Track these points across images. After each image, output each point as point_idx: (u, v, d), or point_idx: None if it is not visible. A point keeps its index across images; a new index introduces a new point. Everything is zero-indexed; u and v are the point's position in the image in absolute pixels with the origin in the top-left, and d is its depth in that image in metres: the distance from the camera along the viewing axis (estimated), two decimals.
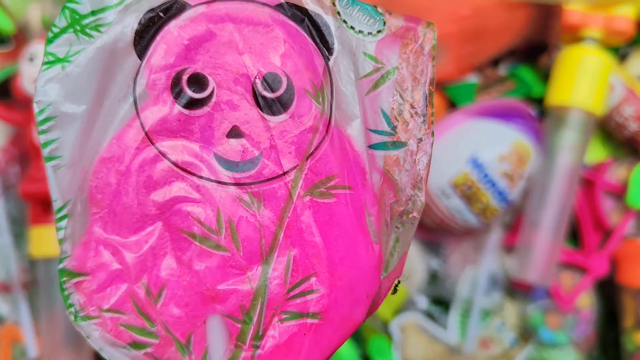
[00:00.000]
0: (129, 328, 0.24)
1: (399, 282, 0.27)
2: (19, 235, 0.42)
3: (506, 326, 0.45)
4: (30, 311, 0.41)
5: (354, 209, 0.25)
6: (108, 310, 0.24)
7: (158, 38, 0.24)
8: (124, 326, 0.24)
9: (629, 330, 0.44)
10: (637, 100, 0.44)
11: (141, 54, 0.25)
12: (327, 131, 0.25)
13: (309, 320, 0.25)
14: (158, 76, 0.24)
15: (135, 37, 0.25)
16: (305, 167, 0.25)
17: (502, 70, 0.46)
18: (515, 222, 0.45)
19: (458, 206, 0.40)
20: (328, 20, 0.26)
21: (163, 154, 0.24)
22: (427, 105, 0.26)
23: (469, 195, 0.40)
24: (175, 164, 0.24)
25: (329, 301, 0.25)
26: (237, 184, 0.24)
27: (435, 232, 0.45)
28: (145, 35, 0.25)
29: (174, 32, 0.24)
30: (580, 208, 0.45)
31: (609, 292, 0.47)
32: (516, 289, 0.46)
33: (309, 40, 0.26)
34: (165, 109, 0.24)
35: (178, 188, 0.24)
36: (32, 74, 0.39)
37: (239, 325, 0.24)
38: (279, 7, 0.26)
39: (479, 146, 0.40)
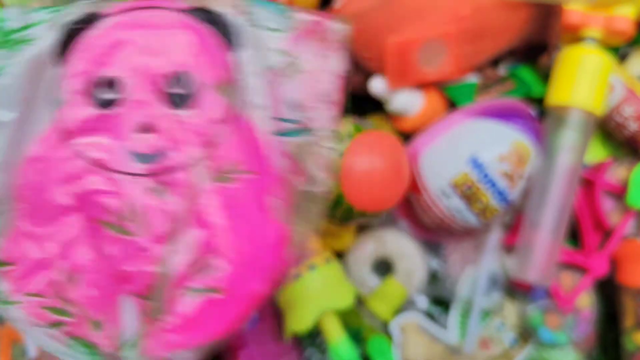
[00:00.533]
0: (48, 310, 0.27)
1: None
2: None
3: (506, 326, 0.45)
4: None
5: (258, 193, 0.28)
6: (30, 295, 0.27)
7: (76, 47, 0.28)
8: (44, 308, 0.27)
9: (629, 330, 0.44)
10: (637, 100, 0.44)
11: (61, 63, 0.28)
12: (232, 122, 0.28)
13: (213, 295, 0.27)
14: (75, 81, 0.27)
15: (56, 48, 0.28)
16: (211, 156, 0.27)
17: (502, 70, 0.47)
18: (515, 222, 0.45)
19: (458, 206, 0.40)
20: (236, 20, 0.29)
21: (79, 151, 0.27)
22: (336, 94, 0.30)
23: (469, 195, 0.40)
24: (90, 159, 0.27)
25: (231, 277, 0.27)
26: (147, 175, 0.27)
27: (435, 232, 0.45)
28: (65, 46, 0.28)
29: (90, 40, 0.28)
30: (580, 208, 0.45)
31: (609, 292, 0.47)
32: (516, 289, 0.46)
33: (216, 39, 0.28)
34: (81, 110, 0.27)
35: (93, 181, 0.27)
36: None
37: (148, 303, 0.27)
38: (186, 11, 0.29)
39: (479, 146, 0.40)
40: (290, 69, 0.29)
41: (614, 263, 0.45)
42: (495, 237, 0.44)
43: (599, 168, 0.45)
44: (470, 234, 0.46)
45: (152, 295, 0.27)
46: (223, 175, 0.27)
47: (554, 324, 0.44)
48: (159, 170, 0.27)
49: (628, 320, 0.45)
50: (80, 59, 0.28)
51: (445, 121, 0.42)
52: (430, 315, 0.46)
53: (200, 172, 0.27)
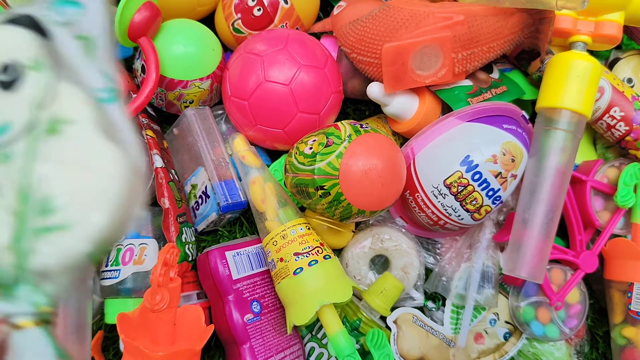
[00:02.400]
0: None
1: None
2: None
3: (499, 321, 0.46)
4: None
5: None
6: None
7: None
8: None
9: (618, 325, 0.45)
10: (626, 102, 0.44)
11: None
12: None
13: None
14: None
15: None
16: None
17: (495, 74, 0.46)
18: (508, 220, 0.45)
19: (452, 205, 0.41)
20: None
21: None
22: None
23: (463, 194, 0.40)
24: None
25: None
26: None
27: (430, 230, 0.46)
28: None
29: None
30: (570, 207, 0.45)
31: (598, 288, 0.48)
32: (508, 285, 0.46)
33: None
34: None
35: None
36: None
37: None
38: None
39: (472, 147, 0.40)
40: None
41: (604, 260, 0.46)
42: (488, 234, 0.45)
43: (588, 168, 0.46)
44: (464, 232, 0.46)
45: None
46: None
47: (545, 319, 0.44)
48: None
49: (617, 315, 0.45)
50: None
51: (439, 123, 0.42)
52: (425, 310, 0.46)
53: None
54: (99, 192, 0.28)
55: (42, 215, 0.28)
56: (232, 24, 0.45)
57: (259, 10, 0.45)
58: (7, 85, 0.29)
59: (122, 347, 0.41)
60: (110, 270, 0.42)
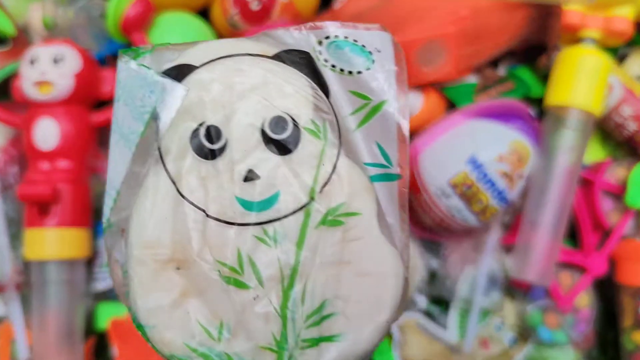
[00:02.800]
0: None
1: None
2: (15, 237, 0.42)
3: (505, 325, 0.45)
4: (23, 312, 0.41)
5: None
6: None
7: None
8: None
9: (628, 329, 0.44)
10: (636, 100, 0.44)
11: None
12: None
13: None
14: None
15: None
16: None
17: (501, 70, 0.46)
18: (515, 221, 0.45)
19: (457, 206, 0.40)
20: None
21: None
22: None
23: (468, 195, 0.40)
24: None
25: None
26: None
27: (434, 232, 0.45)
28: None
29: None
30: (579, 208, 0.45)
31: (608, 291, 0.47)
32: (515, 289, 0.45)
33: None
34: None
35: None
36: (32, 76, 0.39)
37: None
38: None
39: (478, 146, 0.39)
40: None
41: (613, 262, 0.45)
42: (494, 236, 0.44)
43: (598, 168, 0.45)
44: (470, 234, 0.46)
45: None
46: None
47: (553, 324, 0.44)
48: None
49: (627, 320, 0.45)
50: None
51: (444, 121, 0.41)
52: (429, 315, 0.46)
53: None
54: (380, 298, 0.27)
55: (313, 321, 0.26)
56: (230, 19, 0.45)
57: (257, 4, 0.44)
58: (281, 147, 0.27)
59: (115, 353, 0.41)
60: (103, 273, 0.42)
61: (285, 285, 0.26)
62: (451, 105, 0.44)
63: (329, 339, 0.26)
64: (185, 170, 0.27)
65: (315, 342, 0.26)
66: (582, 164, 0.41)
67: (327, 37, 0.28)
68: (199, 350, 0.26)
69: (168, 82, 0.27)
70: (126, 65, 0.28)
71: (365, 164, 0.28)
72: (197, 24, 0.44)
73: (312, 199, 0.26)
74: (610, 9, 0.41)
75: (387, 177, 0.28)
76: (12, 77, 0.42)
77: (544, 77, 0.46)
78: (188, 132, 0.27)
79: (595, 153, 0.48)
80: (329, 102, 0.28)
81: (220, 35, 0.47)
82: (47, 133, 0.39)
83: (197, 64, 0.28)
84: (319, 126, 0.27)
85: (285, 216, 0.26)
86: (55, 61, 0.39)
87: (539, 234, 0.40)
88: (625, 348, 0.45)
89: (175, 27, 0.43)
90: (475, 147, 0.39)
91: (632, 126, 0.44)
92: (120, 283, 0.28)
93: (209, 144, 0.27)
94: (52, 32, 0.42)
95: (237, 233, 0.26)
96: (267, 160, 0.27)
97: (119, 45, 0.44)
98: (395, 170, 0.28)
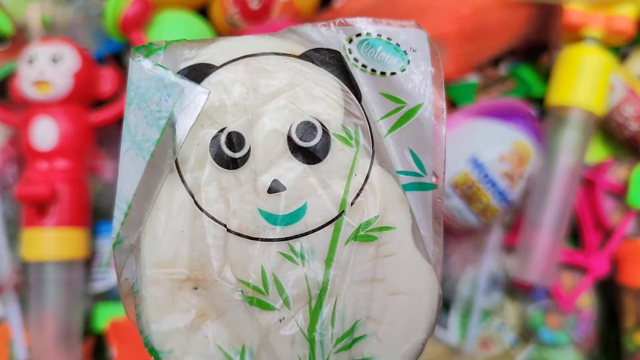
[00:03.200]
0: None
1: None
2: (13, 237, 0.41)
3: (506, 326, 0.45)
4: (21, 313, 0.41)
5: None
6: None
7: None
8: None
9: (630, 330, 0.44)
10: (638, 100, 0.44)
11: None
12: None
13: None
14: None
15: None
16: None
17: (502, 69, 0.46)
18: (516, 222, 0.45)
19: (458, 206, 0.40)
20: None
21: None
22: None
23: (469, 195, 0.40)
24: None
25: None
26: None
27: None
28: None
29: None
30: (580, 208, 0.45)
31: (609, 292, 0.47)
32: (516, 289, 0.45)
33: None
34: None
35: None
36: (30, 76, 0.38)
37: None
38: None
39: (479, 146, 0.39)
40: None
41: (615, 263, 0.45)
42: (495, 237, 0.44)
43: (599, 168, 0.45)
44: (471, 234, 0.46)
45: None
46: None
47: (555, 324, 0.44)
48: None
49: (629, 321, 0.44)
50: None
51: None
52: None
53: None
54: (414, 318, 0.25)
55: (343, 345, 0.24)
56: (230, 18, 0.45)
57: (257, 3, 0.44)
58: (309, 156, 0.25)
59: (113, 354, 0.40)
60: (102, 273, 0.42)
61: (313, 306, 0.24)
62: (452, 105, 0.44)
63: None
64: (204, 180, 0.25)
65: None
66: (583, 164, 0.41)
67: (358, 35, 0.26)
68: None
69: (187, 83, 0.24)
70: (139, 65, 0.25)
71: (397, 172, 0.26)
72: (196, 23, 0.44)
73: (342, 212, 0.24)
74: (612, 8, 0.41)
75: (421, 187, 0.26)
76: (10, 76, 0.42)
77: (545, 76, 0.46)
78: (207, 139, 0.25)
79: (596, 153, 0.48)
80: (361, 106, 0.26)
81: (219, 34, 0.47)
82: (45, 133, 0.39)
83: (217, 64, 0.26)
84: (351, 132, 0.25)
85: (313, 231, 0.24)
86: (54, 60, 0.39)
87: (540, 234, 0.40)
88: (627, 349, 0.44)
89: (174, 26, 0.43)
90: (476, 147, 0.39)
91: (633, 126, 0.44)
92: (130, 305, 0.26)
93: (230, 152, 0.25)
94: (51, 31, 0.42)
95: (260, 249, 0.24)
96: (293, 170, 0.25)
97: (118, 44, 0.44)
98: (430, 179, 0.26)
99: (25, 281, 0.40)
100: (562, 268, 0.44)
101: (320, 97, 0.25)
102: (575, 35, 0.42)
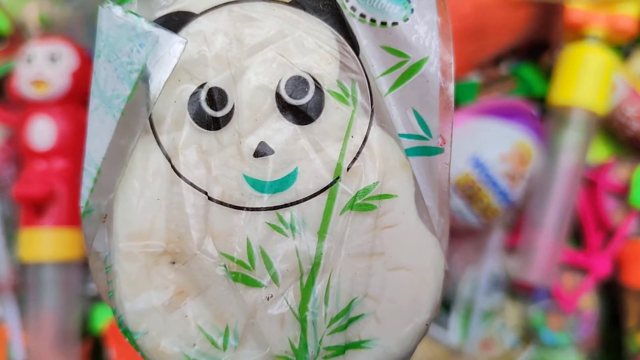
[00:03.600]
0: None
1: None
2: (12, 237, 0.41)
3: (507, 327, 0.45)
4: (19, 313, 0.41)
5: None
6: None
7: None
8: None
9: (632, 331, 0.44)
10: (639, 99, 0.44)
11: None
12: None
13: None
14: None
15: None
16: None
17: (504, 69, 0.46)
18: (517, 222, 0.44)
19: (459, 206, 0.40)
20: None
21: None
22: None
23: (469, 195, 0.40)
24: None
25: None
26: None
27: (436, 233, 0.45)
28: None
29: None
30: (582, 208, 0.45)
31: (611, 292, 0.47)
32: (517, 290, 0.45)
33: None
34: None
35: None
36: (28, 75, 0.38)
37: None
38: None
39: (480, 146, 0.39)
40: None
41: (617, 263, 0.45)
42: (496, 237, 0.44)
43: (601, 168, 0.45)
44: (471, 235, 0.45)
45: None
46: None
47: (556, 325, 0.44)
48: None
49: (630, 321, 0.44)
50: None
51: None
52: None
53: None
54: (417, 296, 0.23)
55: (338, 325, 0.22)
56: None
57: None
58: (301, 115, 0.22)
59: (112, 355, 0.40)
60: None
61: (305, 283, 0.22)
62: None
63: (357, 345, 0.23)
64: (182, 143, 0.22)
65: (341, 349, 0.22)
66: (585, 163, 0.41)
67: None
68: None
69: (163, 33, 0.21)
70: (109, 12, 0.22)
71: (399, 135, 0.23)
72: None
73: (337, 178, 0.22)
74: (614, 6, 0.41)
75: (425, 151, 0.23)
76: (7, 75, 0.42)
77: (547, 75, 0.46)
78: (186, 96, 0.22)
79: (598, 153, 0.48)
80: (359, 59, 0.23)
81: None
82: (43, 132, 0.39)
83: (197, 11, 0.23)
84: (347, 89, 0.23)
85: (305, 199, 0.22)
86: (52, 59, 0.39)
87: (541, 235, 0.40)
88: (629, 350, 0.44)
89: None
90: (477, 147, 0.39)
91: (635, 126, 0.44)
92: (102, 281, 0.24)
93: (211, 111, 0.22)
94: (49, 30, 0.42)
95: (246, 220, 0.22)
96: (282, 131, 0.22)
97: None
98: (436, 142, 0.23)
99: (23, 282, 0.40)
100: (563, 268, 0.44)
101: (312, 49, 0.23)
102: (577, 34, 0.42)
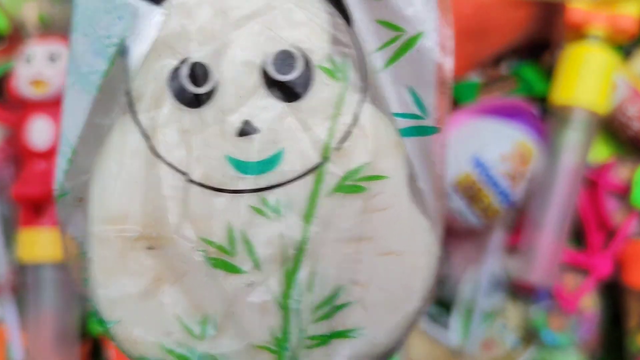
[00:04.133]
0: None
1: None
2: (11, 237, 0.41)
3: (508, 328, 0.45)
4: (18, 314, 0.41)
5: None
6: None
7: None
8: None
9: (633, 331, 0.44)
10: None
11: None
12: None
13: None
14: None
15: None
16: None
17: (504, 68, 0.46)
18: (518, 222, 0.44)
19: (459, 207, 0.40)
20: None
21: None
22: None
23: (470, 195, 0.39)
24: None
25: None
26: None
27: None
28: None
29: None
30: (583, 208, 0.45)
31: (612, 293, 0.47)
32: (518, 290, 0.45)
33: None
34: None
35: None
36: (28, 75, 0.38)
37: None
38: None
39: (481, 146, 0.39)
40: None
41: (618, 264, 0.45)
42: (497, 237, 0.44)
43: (602, 168, 0.45)
44: (472, 235, 0.45)
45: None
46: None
47: (557, 326, 0.44)
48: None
49: (632, 321, 0.44)
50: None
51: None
52: (431, 317, 0.46)
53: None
54: (408, 283, 0.22)
55: (322, 313, 0.21)
56: None
57: None
58: (288, 92, 0.21)
59: (111, 356, 0.40)
60: None
61: (289, 269, 0.21)
62: (453, 104, 0.43)
63: (342, 334, 0.22)
64: (162, 121, 0.21)
65: (325, 339, 0.21)
66: (586, 163, 0.41)
67: None
68: (176, 351, 0.21)
69: (142, 4, 0.21)
70: None
71: (394, 114, 0.22)
72: None
73: (325, 158, 0.21)
74: (616, 6, 0.40)
75: (421, 131, 0.22)
76: (5, 76, 0.42)
77: (548, 75, 0.45)
78: (166, 72, 0.21)
79: (599, 153, 0.47)
80: (352, 33, 0.22)
81: None
82: (42, 132, 0.39)
83: None
84: (338, 64, 0.21)
85: (291, 181, 0.21)
86: (51, 59, 0.39)
87: (542, 235, 0.39)
88: (630, 350, 0.44)
89: None
90: (477, 147, 0.39)
91: (636, 125, 0.44)
92: (77, 267, 0.23)
93: (193, 87, 0.21)
94: (48, 29, 0.42)
95: (228, 203, 0.21)
96: (268, 109, 0.21)
97: None
98: (431, 121, 0.22)
99: (22, 282, 0.40)
100: (564, 269, 0.44)
101: (302, 22, 0.21)
102: (578, 34, 0.41)
